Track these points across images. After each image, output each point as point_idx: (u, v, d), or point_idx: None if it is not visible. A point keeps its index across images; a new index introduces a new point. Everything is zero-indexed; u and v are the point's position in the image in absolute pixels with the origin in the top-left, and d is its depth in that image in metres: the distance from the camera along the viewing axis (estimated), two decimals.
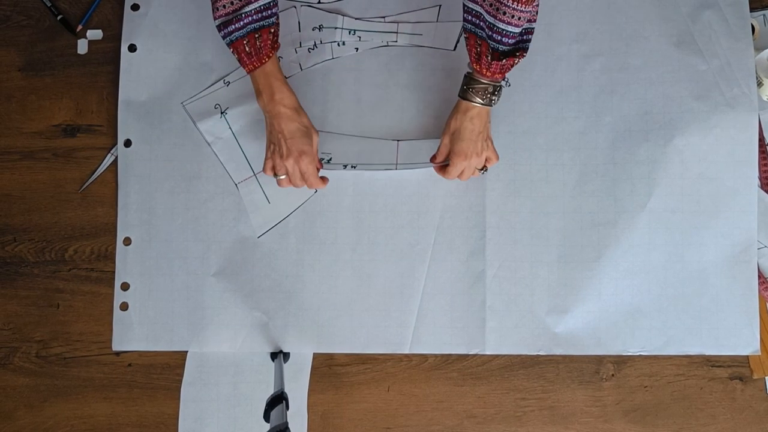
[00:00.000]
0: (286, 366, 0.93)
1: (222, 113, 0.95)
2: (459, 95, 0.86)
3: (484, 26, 0.79)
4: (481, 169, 0.90)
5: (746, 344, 0.92)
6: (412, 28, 0.96)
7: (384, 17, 0.96)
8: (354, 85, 0.96)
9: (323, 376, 0.95)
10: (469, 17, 0.81)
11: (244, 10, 0.78)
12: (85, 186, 0.98)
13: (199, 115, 0.96)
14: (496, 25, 0.77)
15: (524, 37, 0.81)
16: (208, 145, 0.96)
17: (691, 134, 0.93)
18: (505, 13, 0.76)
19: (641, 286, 0.93)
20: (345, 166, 0.94)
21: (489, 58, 0.80)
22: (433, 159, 0.91)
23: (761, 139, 0.94)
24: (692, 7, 0.95)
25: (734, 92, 0.93)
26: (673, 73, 0.94)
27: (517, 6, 0.75)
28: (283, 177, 0.87)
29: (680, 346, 0.92)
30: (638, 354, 0.93)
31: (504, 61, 0.80)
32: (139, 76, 0.97)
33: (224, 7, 0.79)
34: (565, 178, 0.94)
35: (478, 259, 0.94)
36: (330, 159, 0.95)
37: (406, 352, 0.94)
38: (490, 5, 0.77)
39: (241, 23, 0.79)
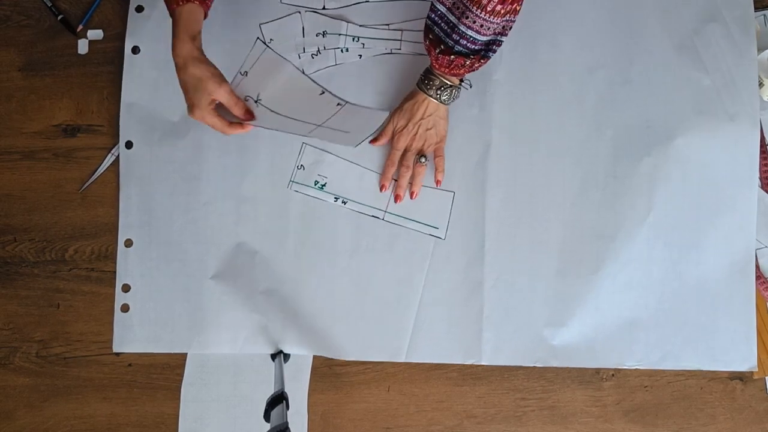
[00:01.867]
0: (286, 366, 0.93)
1: (257, 101, 0.95)
2: (417, 84, 0.88)
3: (445, 26, 0.79)
4: (421, 157, 0.91)
5: (743, 360, 0.92)
6: (416, 36, 0.95)
7: (388, 25, 0.96)
8: (356, 93, 0.96)
9: (323, 376, 0.95)
10: (433, 15, 0.81)
11: None
12: (85, 186, 0.98)
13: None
14: (458, 26, 0.78)
15: (489, 47, 0.81)
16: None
17: (692, 149, 0.93)
18: (467, 17, 0.76)
19: (639, 300, 0.93)
20: (336, 199, 0.95)
21: (437, 51, 0.81)
22: (373, 141, 0.93)
23: (761, 138, 0.94)
24: (696, 20, 0.94)
25: (737, 108, 0.93)
26: (676, 88, 0.94)
27: (480, 13, 0.75)
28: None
29: (677, 361, 0.92)
30: (635, 368, 0.93)
31: (453, 57, 0.80)
32: (142, 79, 0.97)
33: None
34: (565, 189, 0.94)
35: (477, 269, 0.94)
36: (324, 185, 0.95)
37: (402, 360, 0.94)
38: (456, 7, 0.77)
39: None
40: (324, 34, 0.96)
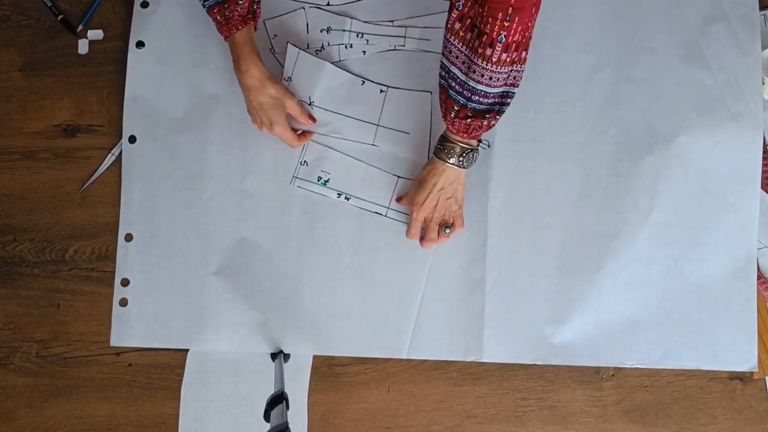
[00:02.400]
0: (286, 366, 0.93)
1: (310, 104, 0.95)
2: (433, 152, 0.87)
3: (455, 84, 0.78)
4: (446, 228, 0.90)
5: (743, 360, 0.92)
6: (420, 33, 0.96)
7: (392, 21, 0.96)
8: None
9: (323, 376, 0.95)
10: (443, 72, 0.80)
11: None
12: (85, 186, 0.98)
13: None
14: (468, 83, 0.77)
15: (503, 100, 0.79)
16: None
17: (695, 149, 0.93)
18: (474, 72, 0.75)
19: (640, 299, 0.93)
20: (339, 195, 0.95)
21: (453, 115, 0.80)
22: (399, 199, 0.93)
23: (764, 138, 0.94)
24: (701, 19, 0.94)
25: (740, 107, 0.93)
26: (680, 87, 0.94)
27: (487, 65, 0.74)
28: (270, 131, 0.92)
29: (677, 361, 0.92)
30: (635, 367, 0.93)
31: (470, 120, 0.79)
32: (146, 73, 0.97)
33: None
34: (567, 188, 0.94)
35: (479, 266, 0.94)
36: (328, 180, 0.95)
37: (404, 357, 0.94)
38: (463, 63, 0.76)
39: None
40: (328, 30, 0.96)
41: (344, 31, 0.96)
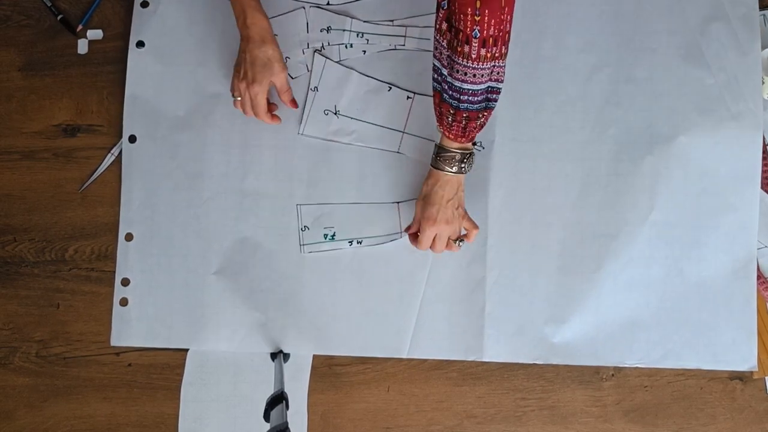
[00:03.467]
0: (286, 366, 0.93)
1: (336, 113, 0.95)
2: (430, 163, 0.85)
3: (446, 86, 0.78)
4: (457, 240, 0.88)
5: (743, 360, 0.92)
6: (420, 32, 0.96)
7: (392, 21, 0.96)
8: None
9: (323, 376, 0.95)
10: (435, 75, 0.80)
11: None
12: (85, 186, 0.98)
13: (321, 131, 0.96)
14: (453, 83, 0.76)
15: (489, 96, 0.79)
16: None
17: (695, 148, 0.93)
18: (458, 71, 0.75)
19: (640, 299, 0.93)
20: (351, 243, 0.95)
21: (450, 119, 0.80)
22: (407, 229, 0.90)
23: (764, 138, 0.94)
24: (701, 19, 0.94)
25: (740, 107, 0.93)
26: (680, 86, 0.94)
27: (468, 63, 0.74)
28: (238, 98, 0.90)
29: (677, 360, 0.92)
30: (635, 366, 0.93)
31: (465, 123, 0.79)
32: (146, 73, 0.97)
33: None
34: (567, 188, 0.94)
35: (479, 266, 0.94)
36: (334, 234, 0.95)
37: (404, 356, 0.94)
38: (447, 63, 0.76)
39: None
40: (328, 29, 0.97)
41: (344, 30, 0.96)
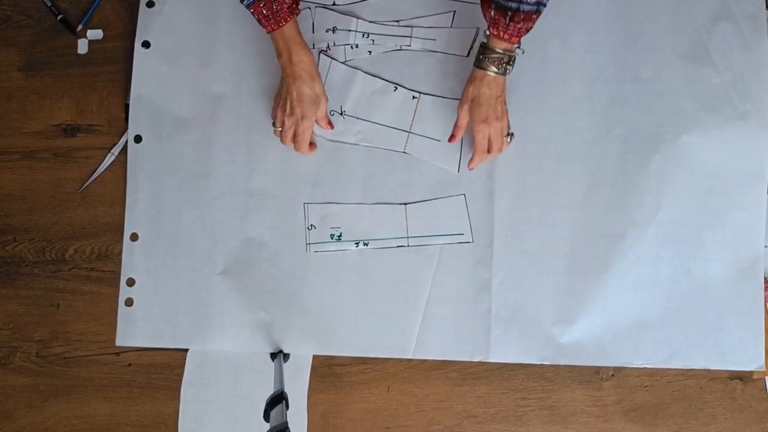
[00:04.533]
0: (286, 366, 0.93)
1: (342, 113, 0.96)
2: (474, 64, 0.86)
3: None
4: (507, 135, 0.90)
5: (750, 360, 0.92)
6: (426, 32, 0.96)
7: (398, 21, 0.96)
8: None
9: (323, 376, 0.95)
10: None
11: None
12: (85, 186, 0.98)
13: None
14: None
15: (540, 1, 0.80)
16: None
17: (701, 148, 0.93)
18: None
19: (647, 299, 0.93)
20: (357, 244, 0.95)
21: (507, 20, 0.80)
22: (452, 138, 0.92)
23: None
24: (707, 19, 0.94)
25: (747, 106, 0.93)
26: (686, 86, 0.94)
27: None
28: (279, 129, 0.91)
29: (684, 360, 0.92)
30: (643, 366, 0.93)
31: (521, 23, 0.81)
32: (152, 73, 0.98)
33: None
34: (574, 188, 0.94)
35: (485, 266, 0.94)
36: (340, 234, 0.95)
37: (410, 357, 0.94)
38: None
39: None
40: (334, 30, 0.97)
41: (350, 31, 0.96)
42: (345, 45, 0.96)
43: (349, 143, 0.96)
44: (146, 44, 0.98)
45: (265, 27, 0.85)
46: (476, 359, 0.93)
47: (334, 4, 0.97)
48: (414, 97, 0.95)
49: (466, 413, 0.95)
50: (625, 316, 0.93)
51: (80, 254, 0.97)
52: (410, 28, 0.96)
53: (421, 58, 0.96)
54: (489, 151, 0.90)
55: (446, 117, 0.94)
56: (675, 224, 0.93)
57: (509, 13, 0.80)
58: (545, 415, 0.94)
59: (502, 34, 0.82)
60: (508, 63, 0.85)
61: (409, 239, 0.94)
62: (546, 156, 0.94)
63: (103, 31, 1.00)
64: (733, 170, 0.92)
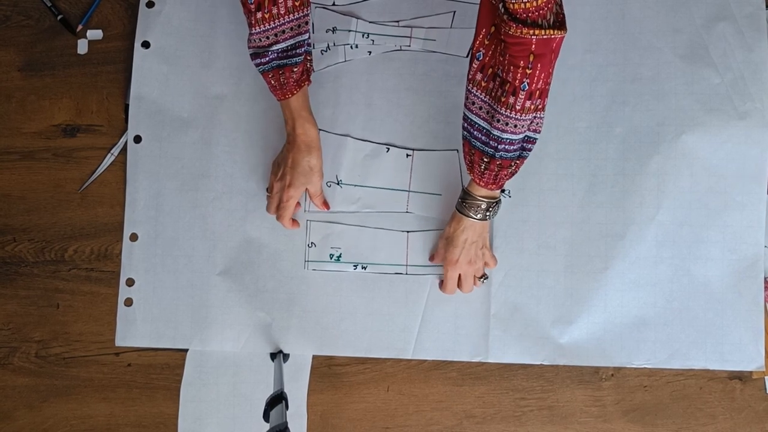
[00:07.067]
0: (285, 366, 0.93)
1: (338, 183, 0.95)
2: (455, 207, 0.87)
3: (480, 135, 0.79)
4: (481, 278, 0.91)
5: (750, 360, 0.92)
6: (426, 33, 0.96)
7: (398, 21, 0.96)
8: (365, 89, 0.96)
9: (323, 376, 0.95)
10: (465, 125, 0.81)
11: (271, 48, 0.81)
12: (85, 186, 0.98)
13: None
14: (492, 132, 0.77)
15: (524, 145, 0.80)
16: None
17: (702, 147, 0.93)
18: (498, 121, 0.75)
19: (647, 299, 0.93)
20: (355, 266, 0.95)
21: (482, 167, 0.80)
22: (431, 258, 0.93)
23: None
24: (707, 18, 0.94)
25: (747, 106, 0.93)
26: (686, 86, 0.94)
27: (510, 114, 0.74)
28: (269, 195, 0.92)
29: (684, 360, 0.92)
30: (642, 366, 0.93)
31: (497, 171, 0.80)
32: (152, 73, 0.97)
33: (257, 41, 0.82)
34: (574, 188, 0.94)
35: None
36: (340, 255, 0.95)
37: (409, 357, 0.94)
38: (486, 113, 0.77)
39: (267, 59, 0.82)
40: (334, 30, 0.97)
41: (350, 31, 0.96)
42: (345, 45, 0.96)
43: (349, 212, 0.95)
44: (146, 44, 0.98)
45: (274, 95, 0.86)
46: (475, 359, 0.93)
47: (333, 4, 0.97)
48: (408, 155, 0.95)
49: (465, 413, 0.95)
50: (624, 316, 0.93)
51: (80, 254, 0.97)
52: (410, 29, 0.96)
53: (420, 58, 0.96)
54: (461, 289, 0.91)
55: (443, 169, 0.95)
56: (675, 224, 0.93)
57: (485, 159, 0.79)
58: (545, 415, 0.94)
59: (478, 180, 0.82)
60: (487, 210, 0.84)
61: (408, 267, 0.94)
62: (546, 155, 0.94)
63: (102, 31, 1.00)
64: (733, 170, 0.93)
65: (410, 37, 0.96)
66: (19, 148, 0.99)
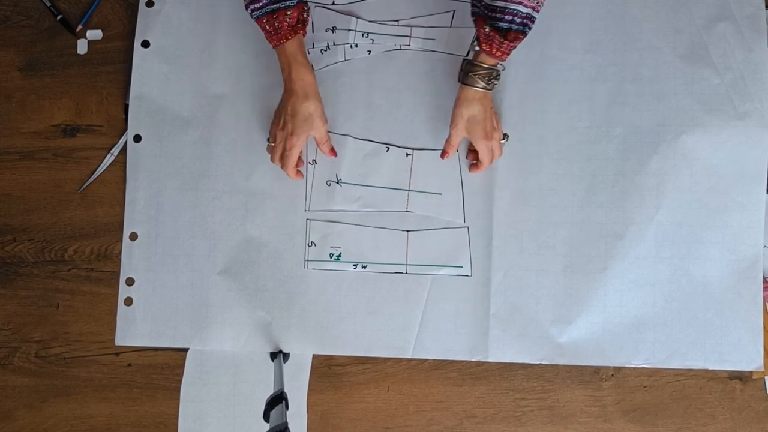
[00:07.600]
0: (285, 366, 0.93)
1: (339, 182, 0.95)
2: (461, 81, 0.86)
3: (491, 8, 0.81)
4: (504, 139, 0.92)
5: (749, 360, 0.92)
6: (426, 32, 0.96)
7: (398, 21, 0.96)
8: (365, 88, 0.96)
9: (323, 376, 0.95)
10: (475, 1, 0.83)
11: None
12: (84, 186, 0.98)
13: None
14: (508, 6, 0.79)
15: (526, 21, 0.82)
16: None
17: (701, 148, 0.93)
18: None
19: (646, 299, 0.93)
20: (355, 265, 0.95)
21: (501, 39, 0.81)
22: (443, 155, 0.92)
23: None
24: (707, 19, 0.94)
25: (747, 107, 0.93)
26: (686, 86, 0.94)
27: None
28: (271, 144, 0.91)
29: (683, 360, 0.92)
30: (641, 366, 0.93)
31: (513, 42, 0.82)
32: (152, 73, 0.97)
33: None
34: (574, 188, 0.94)
35: (484, 266, 0.94)
36: (340, 255, 0.95)
37: (409, 356, 0.94)
38: None
39: (260, 4, 0.83)
40: (333, 29, 0.97)
41: (349, 30, 0.96)
42: (344, 44, 0.96)
43: (350, 211, 0.95)
44: (146, 44, 0.98)
45: (269, 41, 0.86)
46: (475, 359, 0.93)
47: (333, 3, 0.97)
48: (408, 155, 0.95)
49: (465, 413, 0.95)
50: (624, 316, 0.93)
51: (80, 254, 0.97)
52: (410, 28, 0.96)
53: (420, 57, 0.96)
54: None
55: (443, 169, 0.95)
56: (675, 224, 0.93)
57: (502, 31, 0.81)
58: (545, 416, 0.94)
59: (494, 51, 0.83)
60: (495, 78, 0.86)
61: (408, 266, 0.94)
62: (546, 156, 0.94)
63: (102, 31, 1.00)
64: (733, 170, 0.93)
65: (410, 37, 0.96)
66: (19, 148, 0.99)
